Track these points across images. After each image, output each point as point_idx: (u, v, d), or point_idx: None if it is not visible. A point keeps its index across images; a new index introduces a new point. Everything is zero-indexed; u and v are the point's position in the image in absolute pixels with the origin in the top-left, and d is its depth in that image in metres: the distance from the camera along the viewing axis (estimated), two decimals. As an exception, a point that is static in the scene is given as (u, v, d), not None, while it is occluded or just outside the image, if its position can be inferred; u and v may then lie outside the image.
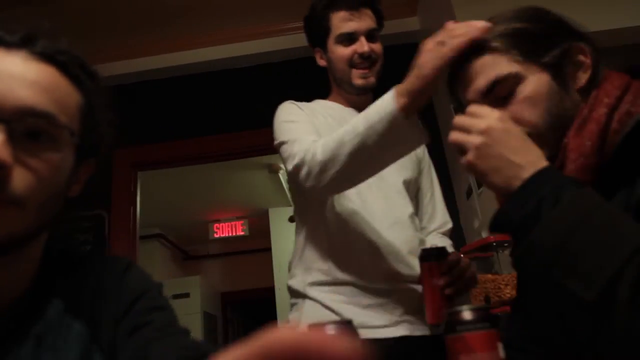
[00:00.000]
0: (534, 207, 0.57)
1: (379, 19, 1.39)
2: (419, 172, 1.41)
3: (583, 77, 0.72)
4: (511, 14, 0.77)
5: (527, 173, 0.60)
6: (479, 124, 0.65)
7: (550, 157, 0.66)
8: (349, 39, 1.33)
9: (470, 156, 0.65)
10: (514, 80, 0.71)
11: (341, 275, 1.20)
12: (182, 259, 6.15)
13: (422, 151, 1.45)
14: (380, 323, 1.16)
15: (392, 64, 2.87)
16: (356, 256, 1.21)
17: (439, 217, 1.41)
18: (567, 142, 0.67)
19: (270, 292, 4.59)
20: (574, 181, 0.58)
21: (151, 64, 2.84)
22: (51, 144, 0.55)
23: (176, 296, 5.15)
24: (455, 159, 2.44)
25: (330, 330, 0.50)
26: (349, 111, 1.38)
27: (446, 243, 1.35)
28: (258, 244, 5.50)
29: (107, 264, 0.67)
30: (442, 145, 2.63)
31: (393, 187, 1.30)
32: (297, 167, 1.08)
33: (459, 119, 0.68)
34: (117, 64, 2.83)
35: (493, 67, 0.73)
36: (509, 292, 1.59)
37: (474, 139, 0.64)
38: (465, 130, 0.67)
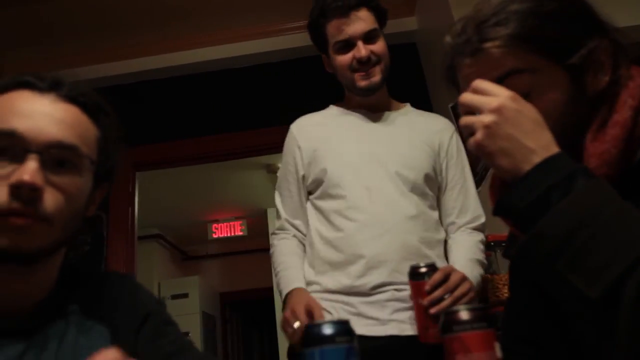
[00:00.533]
0: (543, 195, 0.53)
1: (379, 15, 1.34)
2: (441, 163, 1.35)
3: (603, 80, 0.65)
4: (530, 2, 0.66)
5: (538, 158, 0.56)
6: (491, 102, 0.59)
7: None
8: (345, 46, 1.31)
9: (479, 135, 0.59)
10: (529, 79, 0.64)
11: (329, 285, 1.23)
12: (181, 260, 6.14)
13: (446, 139, 1.38)
14: (371, 317, 1.17)
15: (391, 63, 2.87)
16: (343, 270, 1.22)
17: (470, 211, 1.33)
18: (586, 147, 0.62)
19: (268, 292, 4.59)
20: (587, 170, 0.55)
21: (150, 64, 2.84)
22: (75, 170, 0.67)
23: (175, 296, 5.15)
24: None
25: (327, 329, 0.51)
26: (358, 116, 1.40)
27: (474, 240, 1.30)
28: (257, 244, 5.50)
29: (118, 278, 0.79)
30: (441, 145, 2.63)
31: (392, 189, 1.27)
32: (271, 234, 1.42)
33: (467, 97, 0.62)
34: (117, 64, 2.83)
35: (504, 61, 0.65)
36: (506, 291, 1.60)
37: (484, 118, 0.59)
38: (475, 108, 0.61)
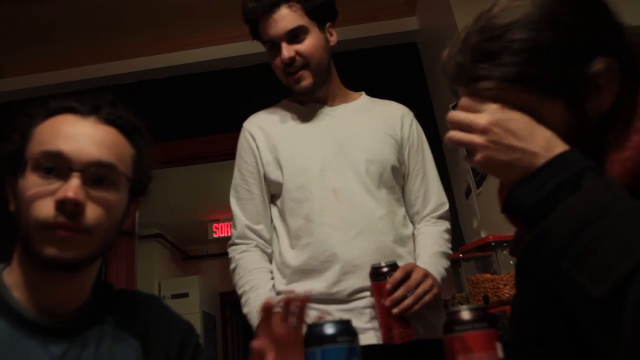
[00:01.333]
0: (551, 193, 0.53)
1: (310, 8, 1.23)
2: (403, 152, 1.30)
3: (606, 101, 0.61)
4: (522, 16, 0.61)
5: (542, 159, 0.56)
6: (479, 120, 0.59)
7: None
8: (272, 47, 1.24)
9: (479, 157, 0.60)
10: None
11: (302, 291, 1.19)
12: (181, 259, 6.15)
13: (407, 126, 1.32)
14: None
15: (392, 63, 2.88)
16: (317, 277, 1.17)
17: (432, 199, 1.29)
18: (608, 155, 0.60)
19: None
20: (596, 167, 0.54)
21: (150, 64, 2.84)
22: (113, 186, 0.74)
23: (175, 296, 5.15)
24: (457, 158, 2.44)
25: (329, 329, 0.52)
26: (315, 111, 1.32)
27: (438, 231, 1.25)
28: (257, 244, 5.49)
29: (151, 299, 0.86)
30: (441, 145, 2.63)
31: (359, 188, 1.21)
32: (229, 245, 1.32)
33: (455, 115, 0.62)
34: (117, 64, 2.83)
35: (497, 101, 0.62)
36: (507, 291, 1.59)
37: (477, 139, 0.59)
38: (465, 127, 0.61)
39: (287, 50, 1.21)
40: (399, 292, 1.01)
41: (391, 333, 0.99)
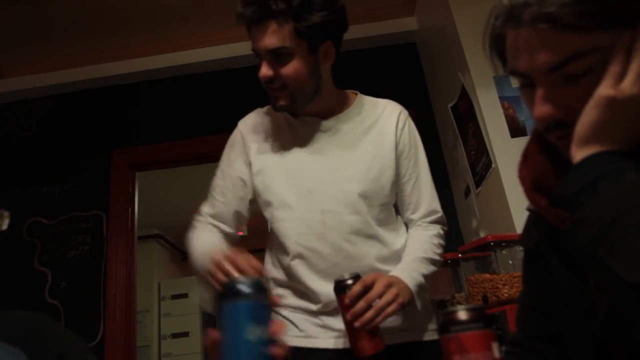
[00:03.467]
0: (591, 183, 0.54)
1: (304, 29, 1.10)
2: (397, 159, 1.24)
3: None
4: None
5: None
6: None
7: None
8: (257, 56, 1.15)
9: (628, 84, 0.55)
10: (597, 56, 0.56)
11: (292, 302, 1.18)
12: (181, 259, 6.14)
13: (399, 131, 1.25)
14: (338, 330, 1.12)
15: (391, 63, 2.88)
16: (303, 297, 1.17)
17: (424, 205, 1.24)
18: None
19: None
20: (637, 164, 0.54)
21: (150, 64, 2.84)
22: None
23: (175, 296, 5.15)
24: (456, 158, 2.44)
25: (241, 285, 0.55)
26: (309, 127, 1.25)
27: (427, 235, 1.21)
28: (256, 244, 5.47)
29: (27, 314, 0.87)
30: (440, 144, 2.63)
31: (357, 218, 1.17)
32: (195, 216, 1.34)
33: None
34: (117, 64, 2.83)
35: (560, 42, 0.57)
36: (506, 291, 1.60)
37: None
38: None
39: (265, 69, 1.12)
40: (358, 306, 0.96)
41: (357, 346, 0.97)
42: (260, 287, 0.56)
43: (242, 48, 2.82)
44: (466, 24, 2.12)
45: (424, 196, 1.25)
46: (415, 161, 1.26)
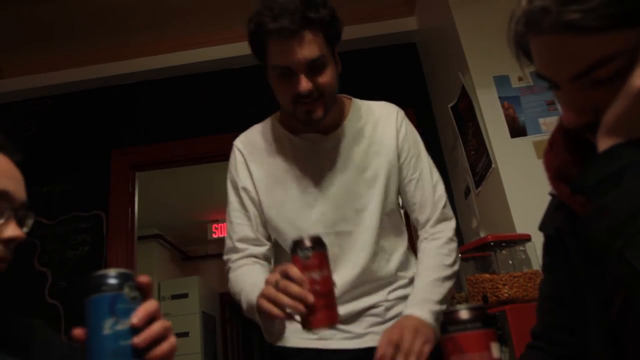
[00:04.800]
0: (616, 172, 0.53)
1: (329, 34, 1.10)
2: (399, 165, 1.23)
3: None
4: None
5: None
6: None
7: None
8: (285, 73, 1.09)
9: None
10: (621, 60, 0.54)
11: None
12: (181, 260, 6.15)
13: (401, 135, 1.23)
14: (348, 331, 1.15)
15: (391, 63, 2.88)
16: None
17: (428, 204, 1.21)
18: None
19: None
20: None
21: (150, 64, 2.84)
22: None
23: (175, 297, 5.14)
24: (456, 158, 2.44)
25: (94, 280, 0.55)
26: (311, 144, 1.21)
27: (438, 244, 1.17)
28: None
29: (28, 321, 0.83)
30: (440, 144, 2.63)
31: (370, 235, 1.17)
32: (225, 261, 1.24)
33: None
34: (117, 64, 2.83)
35: (584, 50, 0.55)
36: (506, 291, 1.60)
37: None
38: None
39: (306, 83, 1.07)
40: None
41: (310, 319, 0.84)
42: (120, 279, 0.56)
43: (242, 48, 2.80)
44: (466, 24, 2.12)
45: (427, 195, 1.22)
46: (416, 161, 1.24)
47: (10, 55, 2.79)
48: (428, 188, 1.23)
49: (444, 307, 1.09)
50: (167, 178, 4.14)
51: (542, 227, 0.77)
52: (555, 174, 0.67)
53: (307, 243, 0.85)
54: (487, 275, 1.67)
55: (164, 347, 0.57)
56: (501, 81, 1.99)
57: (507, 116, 1.95)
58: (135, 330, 0.54)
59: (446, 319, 0.54)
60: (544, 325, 0.74)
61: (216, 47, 2.79)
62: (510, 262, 1.77)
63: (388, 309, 1.18)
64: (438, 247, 1.18)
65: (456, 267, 1.18)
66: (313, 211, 1.18)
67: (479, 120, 2.00)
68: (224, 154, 2.80)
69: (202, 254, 6.15)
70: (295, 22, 1.03)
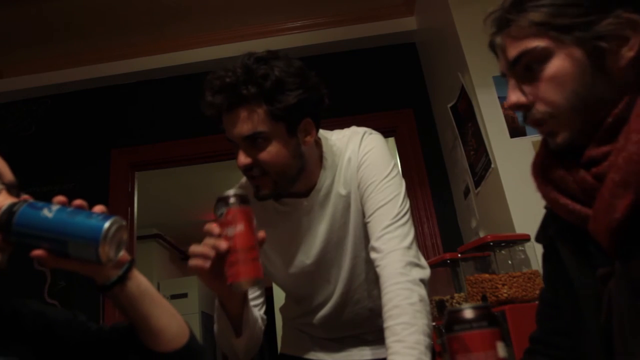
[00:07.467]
0: None
1: (278, 107, 1.01)
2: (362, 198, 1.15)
3: (626, 56, 0.64)
4: None
5: None
6: None
7: (573, 139, 0.64)
8: (233, 144, 1.07)
9: None
10: (541, 55, 0.68)
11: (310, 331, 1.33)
12: (180, 259, 6.14)
13: (360, 172, 1.15)
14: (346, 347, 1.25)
15: (390, 63, 2.88)
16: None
17: (374, 235, 1.07)
18: (629, 122, 0.60)
19: (268, 291, 4.57)
20: None
21: (150, 64, 2.84)
22: None
23: (174, 296, 5.14)
24: (455, 158, 2.45)
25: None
26: (291, 211, 1.18)
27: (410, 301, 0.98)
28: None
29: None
30: (439, 144, 2.63)
31: (350, 264, 1.20)
32: None
33: None
34: (117, 64, 2.83)
35: (522, 39, 0.70)
36: (506, 291, 1.60)
37: None
38: None
39: (242, 157, 1.04)
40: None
41: (232, 271, 0.81)
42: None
43: (241, 48, 2.81)
44: (466, 24, 2.12)
45: (374, 222, 1.08)
46: (375, 192, 1.11)
47: (10, 55, 2.79)
48: (377, 217, 1.09)
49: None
50: (167, 178, 4.14)
51: (537, 238, 0.81)
52: (542, 181, 0.71)
53: (222, 202, 0.85)
54: (487, 275, 1.68)
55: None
56: (501, 81, 1.99)
57: (506, 116, 1.96)
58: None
59: (452, 318, 0.54)
60: (543, 330, 0.75)
61: (216, 47, 2.79)
62: (510, 262, 1.78)
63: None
64: (411, 304, 1.04)
65: (430, 329, 1.04)
66: (308, 267, 1.22)
67: (479, 121, 2.00)
68: (224, 154, 2.82)
69: (201, 253, 6.14)
70: (228, 98, 1.02)
